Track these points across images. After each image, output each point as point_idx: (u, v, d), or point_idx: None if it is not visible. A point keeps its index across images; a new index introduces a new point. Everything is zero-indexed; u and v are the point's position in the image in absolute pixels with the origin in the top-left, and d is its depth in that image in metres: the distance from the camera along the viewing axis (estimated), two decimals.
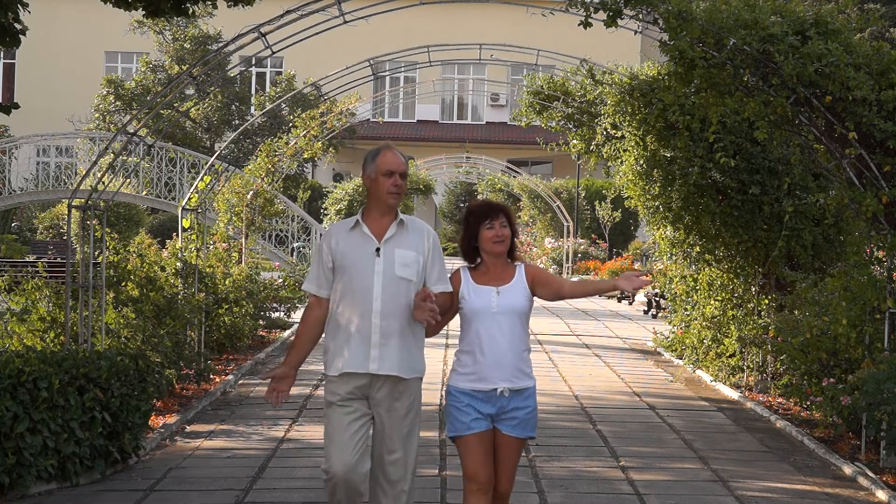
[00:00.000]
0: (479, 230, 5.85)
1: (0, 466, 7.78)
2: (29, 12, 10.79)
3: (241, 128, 19.11)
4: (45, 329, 10.77)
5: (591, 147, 16.33)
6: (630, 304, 27.75)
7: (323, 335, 6.00)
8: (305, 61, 39.41)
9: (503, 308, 5.80)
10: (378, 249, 5.77)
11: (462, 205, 50.37)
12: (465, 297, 5.85)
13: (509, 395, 5.80)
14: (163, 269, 13.36)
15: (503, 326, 5.78)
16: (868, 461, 9.54)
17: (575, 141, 16.67)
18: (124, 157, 11.61)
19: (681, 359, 15.67)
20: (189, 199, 14.89)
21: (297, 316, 19.65)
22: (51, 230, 35.52)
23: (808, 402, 11.33)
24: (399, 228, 5.84)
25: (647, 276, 6.09)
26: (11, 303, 11.15)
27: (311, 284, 5.90)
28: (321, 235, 28.30)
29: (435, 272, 5.87)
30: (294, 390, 12.66)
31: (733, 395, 13.07)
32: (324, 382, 5.81)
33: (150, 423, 9.86)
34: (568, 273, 34.24)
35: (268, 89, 42.97)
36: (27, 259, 24.90)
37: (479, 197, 47.24)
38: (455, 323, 6.07)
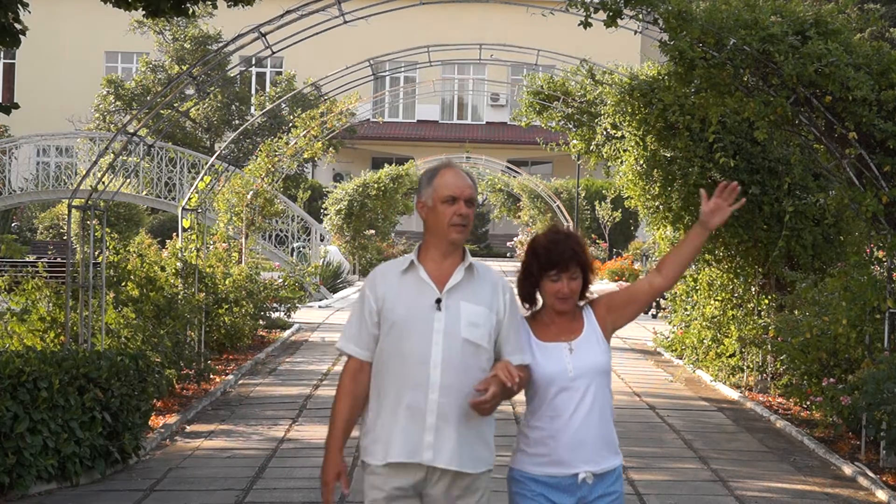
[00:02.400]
0: (541, 279, 4.58)
1: (0, 466, 7.78)
2: (29, 12, 10.78)
3: (241, 128, 19.13)
4: (45, 329, 10.77)
5: (591, 147, 16.34)
6: None
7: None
8: (305, 61, 39.40)
9: (582, 369, 4.52)
10: (439, 301, 4.38)
11: None
12: (531, 361, 4.55)
13: (593, 480, 4.52)
14: (163, 269, 13.36)
15: (584, 393, 4.51)
16: (868, 461, 9.55)
17: (575, 141, 16.68)
18: (124, 157, 11.61)
19: (681, 359, 15.67)
20: (189, 199, 14.89)
21: (297, 316, 19.65)
22: (51, 230, 35.51)
23: (808, 402, 11.33)
24: (467, 275, 4.45)
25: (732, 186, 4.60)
26: (11, 303, 11.15)
27: (348, 343, 4.47)
28: (321, 237, 28.44)
29: (512, 338, 4.47)
30: (294, 390, 12.72)
31: (733, 395, 13.07)
32: (360, 464, 4.52)
33: (150, 423, 9.86)
34: None
35: (268, 89, 42.98)
36: (27, 259, 24.91)
37: (480, 197, 47.25)
38: None
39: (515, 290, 4.66)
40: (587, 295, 4.66)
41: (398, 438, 4.35)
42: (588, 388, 4.52)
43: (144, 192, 29.80)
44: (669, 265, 4.66)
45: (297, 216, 27.79)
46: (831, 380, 10.32)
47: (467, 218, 4.45)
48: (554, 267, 4.55)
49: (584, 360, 4.53)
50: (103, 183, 10.83)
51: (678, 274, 4.67)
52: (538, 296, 4.63)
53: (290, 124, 21.22)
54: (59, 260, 22.98)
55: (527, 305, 4.69)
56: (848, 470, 9.28)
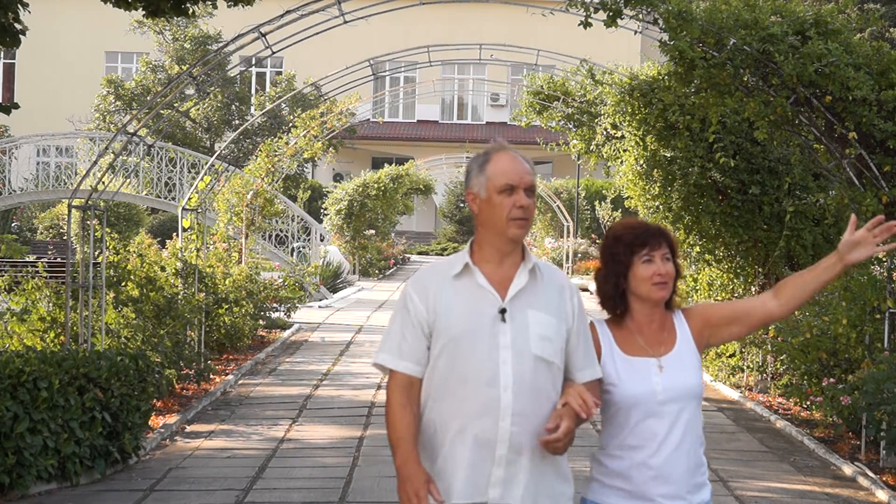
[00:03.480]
0: (630, 265, 3.86)
1: (0, 466, 7.78)
2: (29, 12, 10.78)
3: (241, 128, 19.13)
4: (45, 329, 10.77)
5: (591, 147, 16.35)
6: None
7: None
8: (305, 61, 39.40)
9: (673, 392, 3.82)
10: (504, 311, 3.66)
11: (462, 205, 50.42)
12: (612, 378, 3.85)
13: None
14: (163, 269, 13.36)
15: (674, 421, 3.81)
16: (868, 461, 9.54)
17: (575, 141, 16.68)
18: (124, 157, 11.61)
19: None
20: (189, 199, 14.89)
21: (297, 316, 19.64)
22: (51, 230, 35.51)
23: (808, 402, 11.33)
24: (531, 279, 3.73)
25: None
26: (11, 303, 11.15)
27: (390, 355, 3.73)
28: (321, 237, 28.44)
29: (580, 350, 3.77)
30: (294, 390, 12.72)
31: (733, 395, 13.07)
32: None
33: (150, 423, 9.86)
34: (568, 273, 34.21)
35: (268, 89, 42.98)
36: (27, 259, 24.90)
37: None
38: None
39: (594, 295, 4.01)
40: (675, 298, 3.95)
41: (462, 474, 3.66)
42: (679, 414, 3.80)
43: (144, 192, 29.81)
44: (790, 291, 3.93)
45: (297, 216, 27.79)
46: (831, 380, 10.32)
47: (528, 210, 3.70)
48: (644, 245, 3.85)
49: (675, 380, 3.81)
50: (103, 183, 10.83)
51: (798, 304, 3.95)
52: (621, 303, 3.91)
53: (290, 124, 21.23)
54: (59, 260, 23.00)
55: (618, 310, 3.93)
56: (848, 470, 9.28)
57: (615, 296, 3.91)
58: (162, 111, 22.55)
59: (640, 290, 3.86)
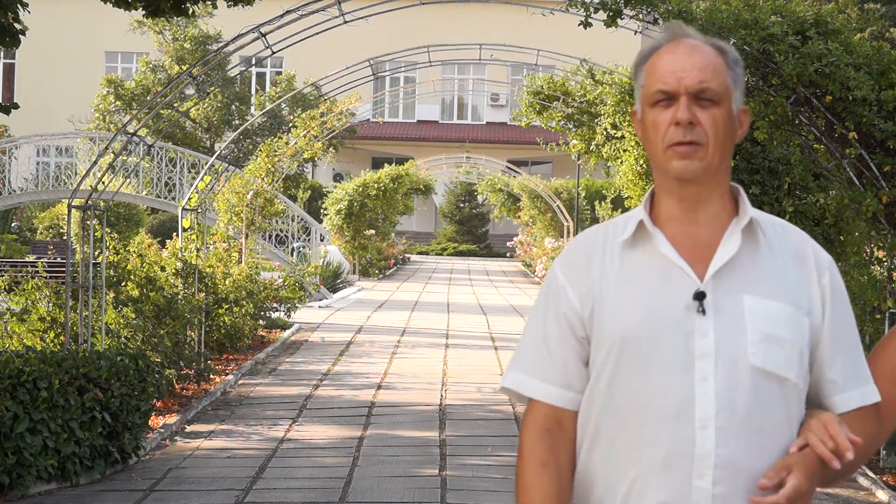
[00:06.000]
0: None
1: (0, 466, 7.78)
2: (29, 12, 10.79)
3: (241, 128, 19.15)
4: (45, 329, 10.77)
5: (591, 147, 16.35)
6: None
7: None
8: (305, 61, 39.40)
9: None
10: (701, 297, 2.32)
11: (462, 205, 50.43)
12: None
13: None
14: (163, 269, 13.37)
15: None
16: (868, 461, 9.55)
17: (575, 141, 16.69)
18: (124, 157, 11.61)
19: None
20: (189, 199, 14.89)
21: (297, 316, 19.61)
22: (51, 230, 35.51)
23: None
24: (748, 243, 2.38)
25: None
26: (11, 303, 11.15)
27: (523, 374, 2.45)
28: (321, 237, 28.46)
29: (838, 358, 2.40)
30: (294, 390, 12.72)
31: None
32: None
33: (150, 423, 9.86)
34: None
35: (268, 89, 42.98)
36: (27, 259, 24.90)
37: (480, 197, 47.31)
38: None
39: None
40: None
41: None
42: None
43: (144, 192, 29.81)
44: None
45: (297, 216, 27.80)
46: None
47: (698, 129, 2.32)
48: None
49: None
50: (103, 183, 10.84)
51: None
52: None
53: (290, 124, 21.24)
54: (59, 260, 23.01)
55: None
56: None
57: None
58: (162, 111, 22.56)
59: None
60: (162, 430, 10.16)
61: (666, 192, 2.43)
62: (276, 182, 20.19)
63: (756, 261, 2.37)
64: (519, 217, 42.47)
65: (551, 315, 2.42)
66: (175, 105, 13.88)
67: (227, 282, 15.70)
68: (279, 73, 44.53)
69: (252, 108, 41.51)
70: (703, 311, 2.31)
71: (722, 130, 2.34)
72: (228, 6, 11.51)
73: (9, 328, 10.71)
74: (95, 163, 11.81)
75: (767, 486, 2.23)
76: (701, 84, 2.34)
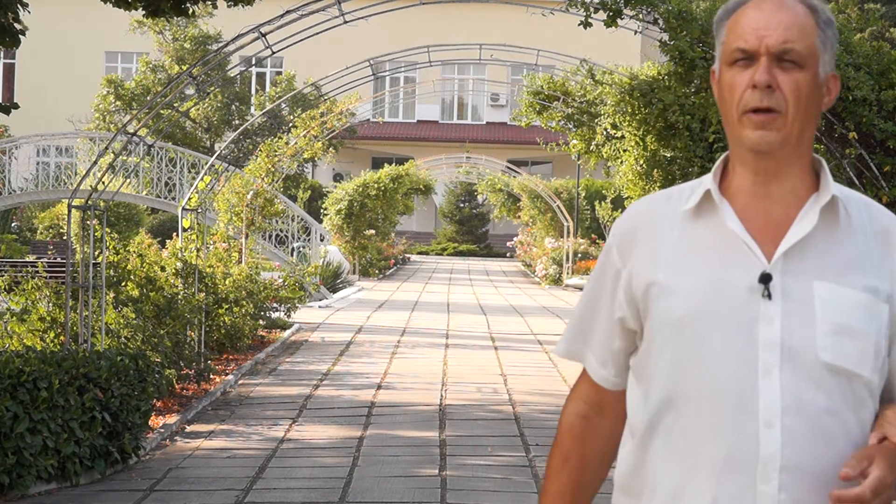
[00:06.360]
0: None
1: (0, 466, 7.78)
2: (29, 12, 10.79)
3: (242, 128, 19.16)
4: (45, 329, 10.77)
5: (591, 147, 16.36)
6: None
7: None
8: (305, 61, 39.41)
9: None
10: (767, 281, 2.10)
11: (462, 205, 50.44)
12: None
13: None
14: (163, 269, 13.37)
15: None
16: None
17: (575, 141, 16.70)
18: (124, 157, 11.62)
19: None
20: (189, 199, 14.90)
21: (297, 316, 19.61)
22: (51, 230, 35.53)
23: None
24: (826, 222, 2.14)
25: None
26: (11, 303, 11.15)
27: (577, 343, 2.33)
28: (321, 237, 28.44)
29: None
30: (294, 390, 12.72)
31: None
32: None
33: (150, 423, 9.86)
34: (568, 273, 34.23)
35: (268, 89, 42.99)
36: (27, 259, 24.91)
37: (480, 197, 47.31)
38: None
39: None
40: None
41: None
42: None
43: (144, 192, 29.81)
44: None
45: (297, 216, 27.80)
46: None
47: (777, 94, 2.09)
48: None
49: None
50: (103, 183, 10.84)
51: None
52: None
53: (290, 124, 21.25)
54: (59, 260, 23.01)
55: None
56: None
57: None
58: (162, 111, 22.56)
59: None
60: (162, 430, 10.16)
61: (739, 161, 2.17)
62: (276, 182, 20.20)
63: (832, 243, 2.13)
64: (519, 217, 42.50)
65: (604, 289, 2.25)
66: (175, 105, 13.88)
67: (227, 282, 15.70)
68: (279, 73, 44.54)
69: (252, 108, 41.52)
70: (769, 296, 2.08)
71: (804, 97, 2.11)
72: (228, 6, 11.52)
73: (9, 328, 10.71)
74: (95, 163, 11.81)
75: (850, 477, 2.00)
76: (784, 44, 2.11)
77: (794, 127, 2.11)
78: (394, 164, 36.48)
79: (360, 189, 34.06)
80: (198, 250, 14.21)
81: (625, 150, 14.52)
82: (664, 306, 2.13)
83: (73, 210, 10.75)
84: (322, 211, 35.14)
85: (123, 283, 11.83)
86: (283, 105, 38.77)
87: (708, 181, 2.17)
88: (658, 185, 13.93)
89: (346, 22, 11.11)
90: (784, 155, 2.13)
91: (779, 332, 2.07)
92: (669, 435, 2.14)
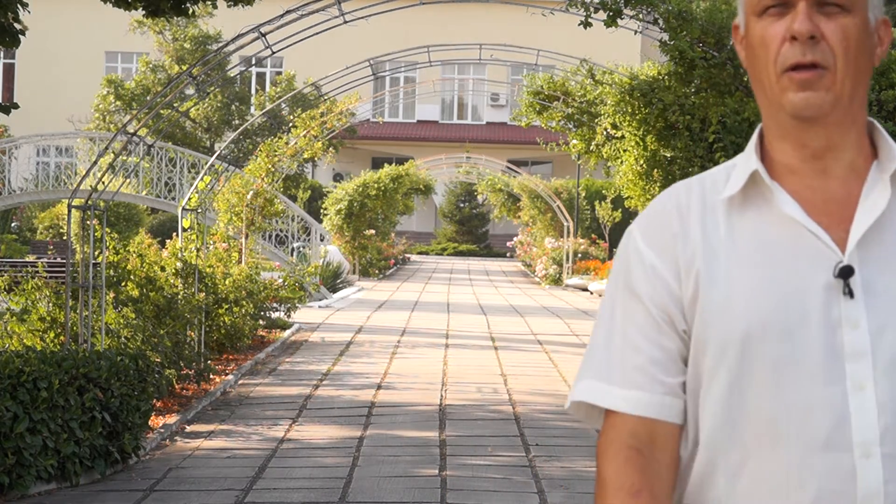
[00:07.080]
0: None
1: (0, 466, 7.78)
2: (29, 12, 10.79)
3: (241, 128, 19.16)
4: (45, 329, 10.77)
5: (591, 147, 16.36)
6: None
7: None
8: (305, 61, 39.41)
9: None
10: (847, 272, 1.64)
11: (462, 205, 50.44)
12: None
13: None
14: (163, 269, 13.37)
15: None
16: None
17: (575, 141, 16.70)
18: (124, 157, 11.62)
19: None
20: (189, 199, 14.90)
21: (297, 316, 19.60)
22: (51, 230, 35.53)
23: None
24: None
25: None
26: (11, 303, 11.15)
27: (601, 381, 1.75)
28: (321, 237, 28.43)
29: None
30: (294, 390, 12.72)
31: None
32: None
33: (150, 423, 9.86)
34: (568, 273, 34.24)
35: (268, 89, 42.99)
36: (27, 259, 24.91)
37: (480, 197, 47.31)
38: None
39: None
40: None
41: None
42: None
43: (144, 192, 29.82)
44: None
45: (297, 216, 27.81)
46: None
47: (822, 46, 1.67)
48: None
49: None
50: (103, 183, 10.84)
51: None
52: None
53: (290, 124, 21.25)
54: (59, 260, 23.02)
55: None
56: None
57: None
58: (162, 111, 22.57)
59: None
60: (162, 430, 10.16)
61: (780, 134, 1.72)
62: (276, 182, 20.19)
63: None
64: (519, 217, 42.50)
65: (636, 301, 1.74)
66: (175, 105, 13.88)
67: (227, 282, 15.70)
68: (279, 73, 44.53)
69: (252, 108, 41.53)
70: (851, 294, 1.65)
71: (855, 47, 1.67)
72: (228, 6, 11.52)
73: (9, 328, 10.71)
74: (95, 163, 11.81)
75: None
76: None
77: (846, 84, 1.68)
78: (394, 164, 36.49)
79: (360, 189, 34.07)
80: (198, 250, 14.21)
81: (625, 150, 14.52)
82: (722, 318, 1.68)
83: (73, 210, 10.75)
84: (322, 211, 35.15)
85: (123, 283, 11.83)
86: (283, 105, 38.77)
87: (751, 161, 1.73)
88: (658, 184, 13.93)
89: (346, 22, 11.11)
90: (836, 120, 1.69)
91: (867, 336, 1.64)
92: (737, 476, 1.68)
